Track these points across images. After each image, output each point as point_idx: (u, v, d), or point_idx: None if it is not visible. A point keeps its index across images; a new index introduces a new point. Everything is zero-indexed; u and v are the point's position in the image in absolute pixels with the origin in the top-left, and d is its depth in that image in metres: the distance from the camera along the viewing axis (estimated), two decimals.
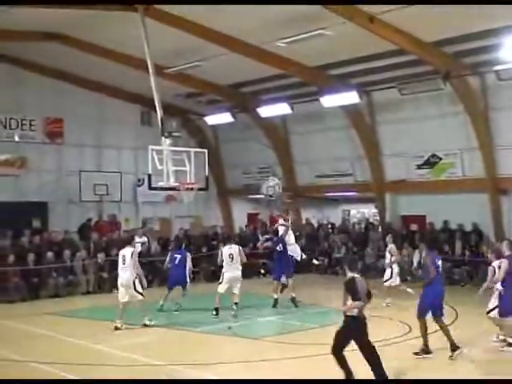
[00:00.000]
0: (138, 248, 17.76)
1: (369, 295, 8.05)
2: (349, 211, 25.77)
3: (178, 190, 14.58)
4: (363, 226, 22.52)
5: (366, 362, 8.00)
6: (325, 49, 16.02)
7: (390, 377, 8.03)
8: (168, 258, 14.48)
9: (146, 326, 12.28)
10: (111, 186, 21.78)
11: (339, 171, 21.99)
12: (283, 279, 14.36)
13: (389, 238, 14.97)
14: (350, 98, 18.13)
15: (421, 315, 9.77)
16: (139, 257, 16.20)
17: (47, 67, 20.71)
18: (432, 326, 10.36)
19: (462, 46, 15.80)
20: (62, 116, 21.79)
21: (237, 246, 13.80)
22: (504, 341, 10.05)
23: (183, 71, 18.57)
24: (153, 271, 18.06)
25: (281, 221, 15.24)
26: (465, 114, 17.90)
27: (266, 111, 20.62)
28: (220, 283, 13.47)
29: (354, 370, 8.07)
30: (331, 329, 12.09)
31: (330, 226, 23.25)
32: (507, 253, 10.11)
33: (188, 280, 14.19)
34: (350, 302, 7.90)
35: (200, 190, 15.04)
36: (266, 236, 16.24)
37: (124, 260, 12.19)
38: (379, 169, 20.77)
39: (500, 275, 9.88)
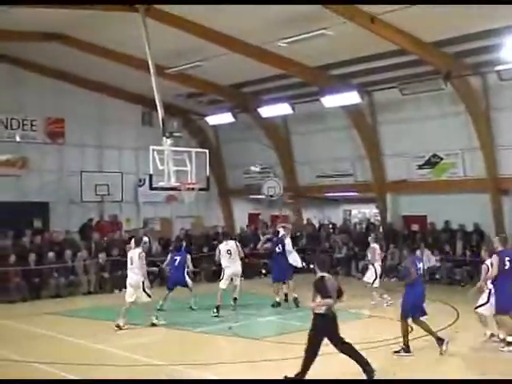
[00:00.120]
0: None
1: (339, 293, 8.15)
2: (350, 211, 25.76)
3: (179, 190, 14.60)
4: (364, 226, 22.50)
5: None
6: (326, 49, 16.02)
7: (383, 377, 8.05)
8: (168, 260, 14.48)
9: (153, 325, 12.29)
10: (112, 186, 21.78)
11: (340, 171, 22.00)
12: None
13: (371, 238, 15.04)
14: (351, 98, 18.12)
15: (404, 316, 9.82)
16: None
17: (48, 67, 20.73)
18: (431, 326, 10.35)
19: (462, 46, 15.78)
20: (63, 116, 21.81)
21: (233, 242, 14.04)
22: (503, 340, 10.05)
23: (184, 71, 18.57)
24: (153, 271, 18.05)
25: (281, 227, 15.33)
26: (466, 114, 17.88)
27: (266, 111, 20.62)
28: (221, 279, 13.53)
29: (357, 370, 8.06)
30: None
31: (331, 226, 23.24)
32: (499, 248, 10.14)
33: (188, 280, 14.17)
34: (318, 299, 7.97)
35: (201, 190, 15.05)
36: (266, 236, 16.25)
37: (132, 261, 12.32)
38: (380, 169, 20.76)
39: (494, 271, 9.90)
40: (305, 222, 23.61)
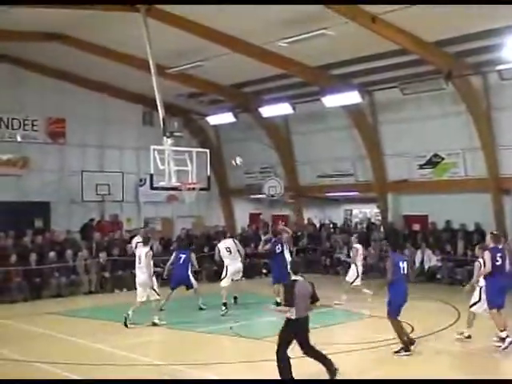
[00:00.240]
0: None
1: (313, 298, 8.16)
2: (351, 211, 25.75)
3: (180, 190, 14.61)
4: (365, 225, 22.51)
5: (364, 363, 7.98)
6: (327, 49, 16.01)
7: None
8: (172, 258, 14.43)
9: (154, 324, 12.31)
10: (113, 186, 21.79)
11: (341, 171, 21.99)
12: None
13: (354, 238, 15.24)
14: (352, 97, 18.12)
15: (392, 316, 9.88)
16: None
17: (49, 67, 20.74)
18: (432, 326, 10.35)
19: (463, 45, 15.78)
20: (64, 116, 21.82)
21: (231, 240, 14.13)
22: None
23: (185, 71, 18.58)
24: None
25: (282, 228, 15.42)
26: (467, 114, 17.86)
27: (267, 111, 20.62)
28: (223, 278, 13.54)
29: (357, 370, 8.05)
30: (332, 329, 12.21)
31: (331, 225, 23.25)
32: (491, 245, 10.25)
33: (192, 279, 14.18)
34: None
35: (202, 189, 15.06)
36: (266, 237, 16.27)
37: (140, 260, 12.44)
38: (381, 169, 20.76)
39: (486, 268, 9.97)
40: (306, 221, 23.61)
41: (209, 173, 15.53)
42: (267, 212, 24.45)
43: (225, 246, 13.83)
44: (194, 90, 21.70)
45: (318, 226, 23.54)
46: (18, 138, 20.86)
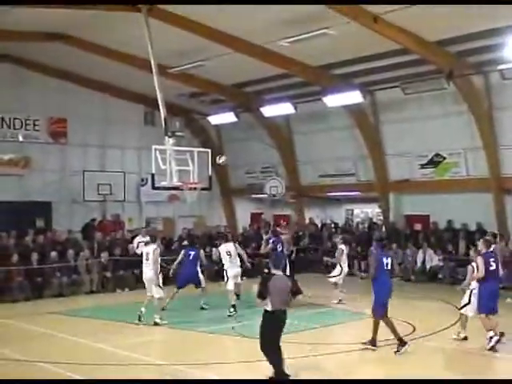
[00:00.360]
0: (142, 247, 17.80)
1: (294, 292, 8.44)
2: (352, 211, 25.73)
3: (182, 190, 14.62)
4: (367, 225, 22.49)
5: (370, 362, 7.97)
6: (328, 48, 16.01)
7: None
8: (180, 256, 14.40)
9: (156, 324, 12.32)
10: (115, 186, 21.82)
11: (342, 171, 21.98)
12: None
13: (339, 240, 15.29)
14: (354, 97, 18.11)
15: (376, 313, 9.95)
16: (143, 256, 16.24)
17: (51, 67, 20.76)
18: (434, 326, 10.33)
19: (465, 45, 15.76)
20: (65, 116, 21.84)
21: (231, 244, 14.08)
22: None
23: (186, 71, 18.59)
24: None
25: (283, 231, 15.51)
26: (469, 114, 17.85)
27: (269, 111, 20.61)
28: (226, 281, 13.56)
29: (357, 370, 8.05)
30: (332, 329, 12.20)
31: (333, 225, 23.23)
32: (483, 250, 10.27)
33: (201, 278, 14.19)
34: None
35: (203, 189, 15.06)
36: (266, 237, 16.29)
37: (147, 257, 12.61)
38: (383, 168, 20.75)
39: (479, 273, 9.99)
40: (307, 221, 23.60)
41: (210, 172, 15.53)
42: (269, 212, 24.45)
43: (226, 249, 13.83)
44: (196, 89, 21.71)
45: (319, 225, 23.53)
46: (20, 138, 20.89)
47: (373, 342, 9.94)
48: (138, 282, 17.20)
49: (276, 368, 8.05)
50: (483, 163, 18.06)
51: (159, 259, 12.69)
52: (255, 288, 8.83)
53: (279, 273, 8.39)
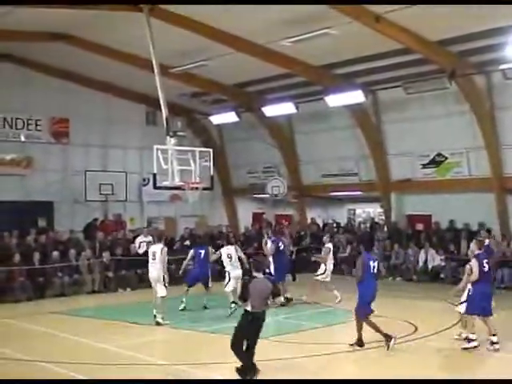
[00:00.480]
0: (144, 247, 17.84)
1: (273, 294, 8.64)
2: (354, 210, 25.73)
3: (183, 190, 14.61)
4: (368, 225, 22.48)
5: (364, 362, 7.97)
6: (330, 48, 16.00)
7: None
8: (190, 255, 14.39)
9: (158, 324, 12.32)
10: (116, 186, 21.84)
11: (344, 170, 21.98)
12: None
13: (326, 238, 15.32)
14: (355, 97, 18.09)
15: (358, 313, 10.00)
16: (145, 256, 16.28)
17: (53, 67, 20.78)
18: (436, 326, 10.31)
19: (467, 44, 15.76)
20: (67, 116, 21.87)
21: (232, 247, 14.10)
22: (466, 338, 10.18)
23: (188, 71, 18.59)
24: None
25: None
26: (471, 113, 17.83)
27: (271, 110, 20.60)
28: (227, 283, 13.56)
29: (358, 370, 8.04)
30: (333, 329, 12.19)
31: (335, 225, 23.22)
32: (476, 252, 10.25)
33: (210, 276, 14.24)
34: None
35: (205, 189, 15.05)
36: (267, 238, 16.28)
37: (154, 256, 12.58)
38: (385, 168, 20.74)
39: (473, 276, 9.97)
40: (309, 221, 23.60)
41: (212, 172, 15.53)
42: (270, 211, 24.46)
43: (227, 252, 13.83)
44: (198, 89, 21.72)
45: (321, 225, 23.52)
46: (22, 138, 20.93)
47: (359, 342, 9.99)
48: (139, 282, 17.26)
49: (244, 363, 8.18)
50: (485, 163, 18.04)
51: (167, 258, 12.71)
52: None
53: (260, 276, 8.56)
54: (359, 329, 10.07)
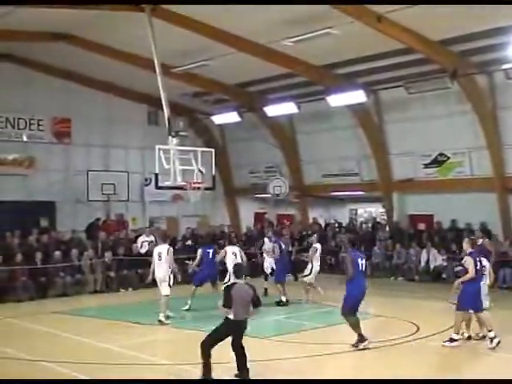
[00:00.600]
0: (146, 247, 17.86)
1: (254, 302, 8.36)
2: (356, 210, 25.73)
3: (185, 190, 14.62)
4: (370, 225, 22.48)
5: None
6: (332, 48, 16.00)
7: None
8: (199, 255, 14.39)
9: (160, 322, 12.33)
10: (118, 186, 21.85)
11: (346, 170, 21.98)
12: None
13: (313, 238, 15.38)
14: (357, 97, 18.10)
15: (346, 314, 9.94)
16: (146, 255, 16.31)
17: (55, 67, 20.80)
18: (437, 326, 10.31)
19: (469, 44, 15.75)
20: (69, 116, 21.90)
21: (237, 247, 14.32)
22: (483, 337, 10.19)
23: (190, 71, 18.60)
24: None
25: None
26: (472, 113, 17.82)
27: (272, 110, 20.62)
28: (227, 282, 13.56)
29: (358, 370, 8.03)
30: (333, 329, 12.17)
31: (337, 225, 23.22)
32: (469, 250, 10.30)
33: (218, 275, 14.31)
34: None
35: (207, 189, 15.07)
36: (268, 237, 16.29)
37: (160, 256, 12.58)
38: (386, 168, 20.73)
39: (469, 274, 10.00)
40: (311, 221, 23.60)
41: (214, 172, 15.54)
42: (272, 211, 24.46)
43: (232, 250, 13.99)
44: (199, 89, 21.73)
45: (323, 225, 23.52)
46: (24, 138, 20.96)
47: (361, 339, 9.89)
48: (141, 282, 17.25)
49: (205, 362, 8.19)
50: (487, 163, 18.03)
51: (173, 258, 12.73)
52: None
53: (240, 281, 8.49)
54: (354, 326, 9.95)
